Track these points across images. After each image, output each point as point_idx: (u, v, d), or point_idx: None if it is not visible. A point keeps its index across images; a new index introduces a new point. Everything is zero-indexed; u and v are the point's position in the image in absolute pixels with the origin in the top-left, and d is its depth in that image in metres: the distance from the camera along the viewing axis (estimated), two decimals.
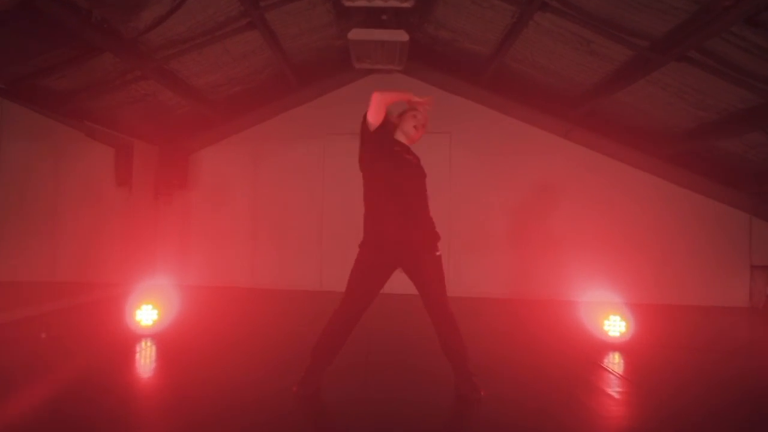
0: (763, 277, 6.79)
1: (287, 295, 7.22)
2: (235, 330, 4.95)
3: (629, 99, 6.09)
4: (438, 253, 3.05)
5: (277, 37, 6.16)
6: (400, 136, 3.13)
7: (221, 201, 7.91)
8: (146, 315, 4.47)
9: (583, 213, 7.18)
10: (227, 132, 7.88)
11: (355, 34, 5.82)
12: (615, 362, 4.05)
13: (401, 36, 5.80)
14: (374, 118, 2.95)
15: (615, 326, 4.50)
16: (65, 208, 7.71)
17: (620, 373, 3.75)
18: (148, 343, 4.24)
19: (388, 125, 3.10)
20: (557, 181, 7.26)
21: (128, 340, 4.28)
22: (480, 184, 7.37)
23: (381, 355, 4.12)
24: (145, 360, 3.90)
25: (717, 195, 6.93)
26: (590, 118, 6.92)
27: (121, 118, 6.66)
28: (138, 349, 4.10)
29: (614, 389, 3.35)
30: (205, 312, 5.84)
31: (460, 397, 3.04)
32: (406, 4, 5.14)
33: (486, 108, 7.38)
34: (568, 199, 7.21)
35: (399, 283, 3.34)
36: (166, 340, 4.33)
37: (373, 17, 5.88)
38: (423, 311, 3.09)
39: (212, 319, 5.50)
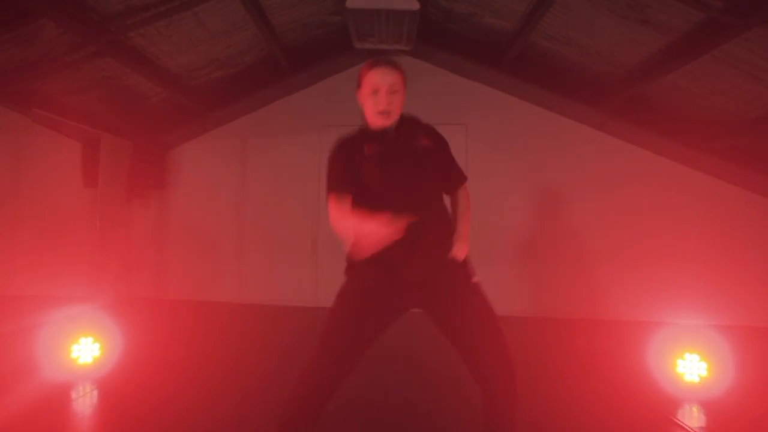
0: None
1: (278, 312, 6.23)
2: (210, 364, 3.95)
3: (683, 82, 5.06)
4: (475, 279, 2.02)
5: (262, 8, 5.17)
6: (374, 124, 2.10)
7: (204, 203, 6.91)
8: (85, 350, 3.47)
9: (620, 218, 6.14)
10: (210, 124, 6.88)
11: (355, 1, 4.84)
12: (694, 415, 3.04)
13: (411, 4, 4.81)
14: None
15: (692, 368, 3.48)
16: (25, 210, 6.75)
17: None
18: (87, 389, 3.25)
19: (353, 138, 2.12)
20: (590, 180, 6.22)
21: (61, 384, 3.29)
22: (501, 184, 6.34)
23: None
24: (77, 416, 2.91)
25: None
26: (631, 107, 5.88)
27: (80, 105, 5.67)
28: (74, 397, 3.12)
29: None
30: (176, 337, 4.85)
31: None
32: None
33: (508, 96, 6.36)
34: (604, 202, 6.18)
35: None
36: (111, 384, 3.34)
37: None
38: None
39: (184, 346, 4.50)
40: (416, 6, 4.78)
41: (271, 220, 6.81)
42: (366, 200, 1.95)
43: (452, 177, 2.18)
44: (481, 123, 6.40)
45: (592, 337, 5.11)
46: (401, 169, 2.00)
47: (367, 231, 1.74)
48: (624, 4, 4.38)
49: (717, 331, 3.61)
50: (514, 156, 6.34)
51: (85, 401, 3.07)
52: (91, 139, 6.43)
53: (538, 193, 6.31)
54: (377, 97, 2.01)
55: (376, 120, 2.04)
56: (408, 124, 2.14)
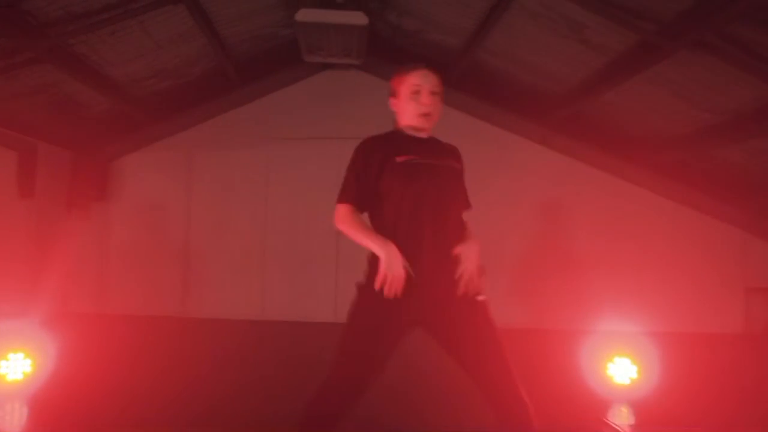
0: (762, 300, 6.10)
1: (223, 325, 6.11)
2: (147, 380, 3.84)
3: (619, 99, 5.33)
4: (481, 298, 2.02)
5: (211, 20, 5.13)
6: (407, 132, 2.11)
7: (148, 216, 6.74)
8: (14, 366, 3.33)
9: (560, 230, 6.37)
10: (155, 135, 6.73)
11: (305, 14, 4.85)
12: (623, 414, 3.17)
13: (360, 18, 4.87)
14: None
15: (623, 370, 3.62)
16: None
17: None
18: (15, 407, 3.11)
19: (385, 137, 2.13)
20: (532, 194, 6.43)
21: None
22: None
23: None
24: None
25: (709, 210, 6.24)
26: (572, 123, 6.13)
27: (16, 113, 5.47)
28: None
29: None
30: (115, 352, 4.70)
31: None
32: None
33: (454, 110, 6.46)
34: (545, 215, 6.39)
35: None
36: (42, 402, 3.20)
37: (327, 0, 4.97)
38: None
39: (119, 361, 4.37)
40: (365, 21, 4.85)
41: (218, 233, 6.70)
42: (386, 212, 1.96)
43: (464, 202, 2.29)
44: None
45: (526, 345, 5.24)
46: (430, 182, 2.01)
47: (376, 249, 1.80)
48: (564, 25, 4.58)
49: (646, 337, 3.79)
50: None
51: (12, 420, 2.94)
52: (27, 148, 6.18)
53: (483, 206, 6.44)
54: (420, 98, 2.02)
55: (418, 122, 2.05)
56: (438, 141, 2.16)
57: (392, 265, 1.84)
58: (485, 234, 6.22)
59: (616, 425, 2.94)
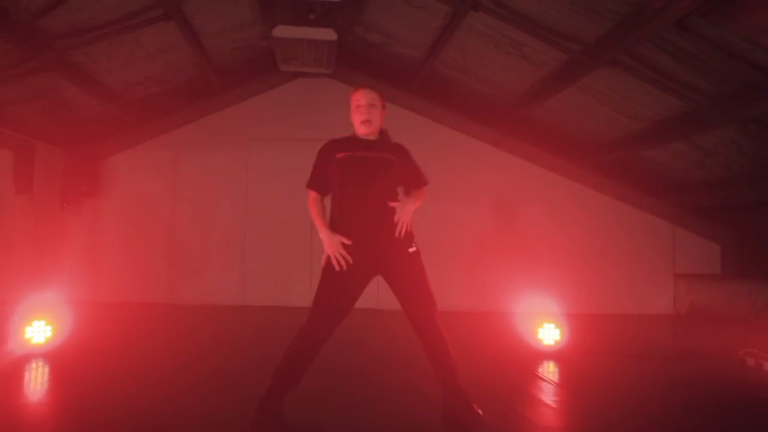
0: (686, 285, 6.92)
1: (206, 311, 6.71)
2: (143, 349, 4.45)
3: (559, 106, 6.09)
4: (412, 249, 2.72)
5: (196, 33, 5.76)
6: (359, 136, 2.80)
7: (136, 210, 7.31)
8: (38, 332, 3.93)
9: (512, 223, 7.10)
10: (143, 136, 7.32)
11: (281, 31, 5.51)
12: (550, 371, 3.89)
13: (329, 35, 5.55)
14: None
15: (549, 334, 4.35)
16: None
17: (556, 381, 3.59)
18: (40, 364, 3.71)
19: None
20: (487, 190, 7.17)
21: (16, 360, 3.74)
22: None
23: (355, 373, 3.76)
24: (36, 382, 3.38)
25: (643, 205, 7.05)
26: (521, 127, 6.88)
27: (18, 115, 6.01)
28: (28, 370, 3.58)
29: (551, 398, 3.16)
30: (110, 329, 5.29)
31: (450, 418, 2.67)
32: None
33: (417, 116, 7.21)
34: (498, 210, 7.12)
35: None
36: (61, 360, 3.81)
37: (301, 17, 5.61)
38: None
39: (118, 336, 4.96)
40: (334, 37, 5.52)
41: (201, 227, 7.31)
42: (335, 193, 2.70)
43: (412, 180, 2.89)
44: (394, 139, 7.19)
45: (485, 324, 5.95)
46: (360, 170, 2.67)
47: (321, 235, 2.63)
48: (506, 43, 5.31)
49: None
50: (424, 169, 7.15)
51: (37, 374, 3.55)
52: (24, 147, 6.72)
53: (443, 202, 7.16)
54: (360, 110, 2.69)
55: (360, 128, 2.72)
56: (384, 141, 2.85)
57: (329, 244, 2.57)
58: (442, 226, 6.96)
59: (544, 377, 3.60)
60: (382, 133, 2.90)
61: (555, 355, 4.28)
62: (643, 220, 7.08)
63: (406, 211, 2.68)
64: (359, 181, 2.65)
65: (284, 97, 7.36)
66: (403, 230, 2.65)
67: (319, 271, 2.73)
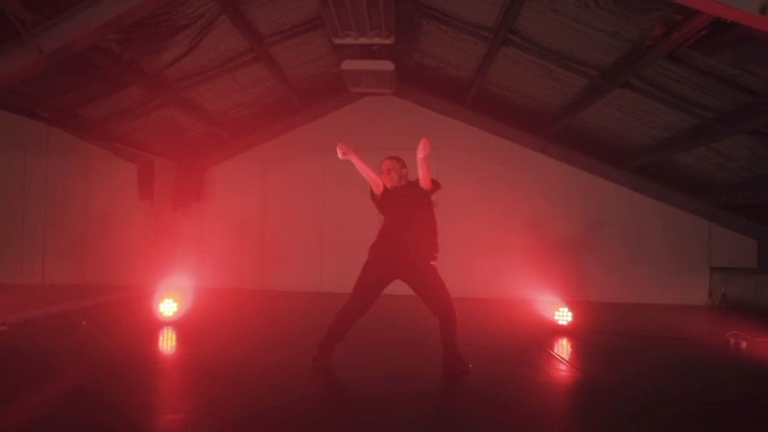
0: (720, 278, 7.46)
1: (290, 296, 8.00)
2: (246, 323, 5.76)
3: (593, 118, 6.86)
4: (432, 263, 3.82)
5: (279, 67, 7.02)
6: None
7: (233, 211, 8.76)
8: (168, 307, 5.31)
9: (559, 222, 7.90)
10: (237, 149, 8.75)
11: (347, 65, 6.65)
12: (562, 344, 4.79)
13: (388, 66, 6.61)
14: (375, 189, 3.92)
15: (563, 316, 5.24)
16: (95, 219, 8.65)
17: (566, 357, 4.48)
18: (170, 330, 5.08)
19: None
20: (535, 192, 8.00)
21: (153, 328, 5.12)
22: (465, 197, 8.10)
23: (388, 344, 4.89)
24: (167, 342, 4.72)
25: (679, 203, 7.64)
26: (563, 135, 7.67)
27: (143, 139, 7.54)
28: (161, 334, 4.94)
29: (562, 369, 4.07)
30: (218, 307, 6.67)
31: (448, 369, 3.75)
32: (388, 41, 5.99)
33: (470, 126, 8.16)
34: (543, 208, 7.94)
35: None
36: (184, 328, 5.16)
37: (365, 48, 6.71)
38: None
39: (225, 313, 6.33)
40: (392, 67, 6.59)
41: (286, 225, 8.65)
42: (387, 216, 3.89)
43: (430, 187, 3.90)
44: (450, 148, 8.19)
45: (529, 311, 6.85)
46: (403, 203, 3.83)
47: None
48: (537, 68, 6.18)
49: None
50: (476, 174, 8.12)
51: (168, 337, 4.89)
52: (147, 162, 8.30)
53: (494, 203, 8.08)
54: (384, 175, 3.87)
55: (388, 184, 3.91)
56: (409, 183, 3.96)
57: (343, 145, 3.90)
58: (496, 225, 7.88)
59: (556, 354, 4.47)
60: (410, 182, 3.96)
61: (569, 332, 5.18)
62: (680, 218, 7.67)
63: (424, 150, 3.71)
64: (396, 210, 3.79)
65: (354, 113, 8.52)
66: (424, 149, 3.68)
67: None
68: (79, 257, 8.59)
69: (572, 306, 5.34)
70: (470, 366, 3.74)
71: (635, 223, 7.79)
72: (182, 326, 5.23)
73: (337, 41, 5.93)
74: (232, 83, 6.94)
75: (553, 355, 4.38)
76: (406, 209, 3.79)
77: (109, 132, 7.00)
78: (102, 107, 6.32)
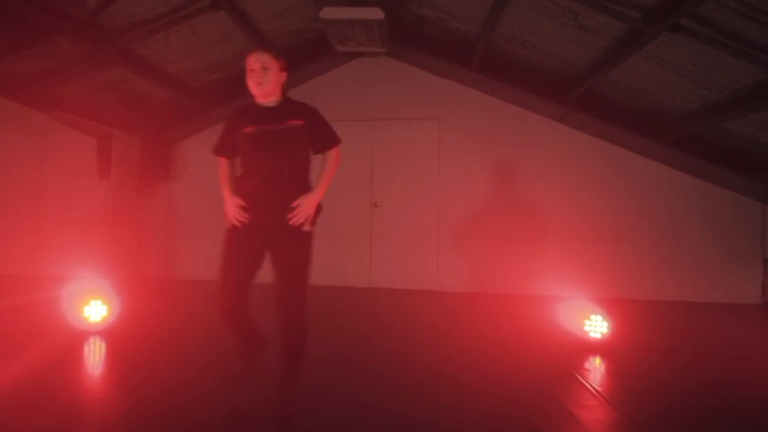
0: None
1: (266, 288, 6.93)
2: (191, 326, 4.67)
3: (626, 78, 5.65)
4: (307, 228, 2.62)
5: (249, 19, 5.86)
6: (261, 103, 2.69)
7: (207, 192, 7.62)
8: (95, 311, 4.23)
9: (581, 203, 6.72)
10: (211, 121, 7.59)
11: (328, 12, 5.49)
12: (595, 368, 3.66)
13: (376, 13, 5.45)
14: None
15: (596, 326, 4.09)
16: (48, 198, 7.61)
17: (599, 382, 3.36)
18: (97, 340, 4.00)
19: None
20: (553, 169, 6.80)
21: (75, 338, 4.04)
22: (471, 172, 6.95)
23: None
24: (93, 357, 3.65)
25: (726, 182, 6.41)
26: (587, 101, 6.45)
27: (94, 106, 6.43)
28: (86, 346, 3.87)
29: (594, 400, 2.97)
30: (175, 306, 5.60)
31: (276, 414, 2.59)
32: None
33: (477, 92, 6.96)
34: (565, 188, 6.76)
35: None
36: (115, 337, 4.09)
37: None
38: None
39: (179, 315, 5.25)
40: (381, 15, 5.41)
41: None
42: (244, 160, 2.66)
43: (319, 141, 2.73)
44: (452, 117, 7.01)
45: (544, 310, 5.71)
46: (267, 144, 2.58)
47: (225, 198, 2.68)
48: (560, 13, 4.97)
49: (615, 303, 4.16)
50: (484, 146, 6.93)
51: (94, 349, 3.82)
52: (104, 135, 7.19)
53: (505, 180, 6.90)
54: (252, 74, 2.61)
55: (254, 92, 2.65)
56: (285, 105, 2.72)
57: (229, 205, 2.63)
58: (505, 206, 6.73)
59: (586, 383, 3.34)
60: (285, 97, 2.77)
61: (603, 349, 4.03)
62: (727, 199, 6.44)
63: (308, 204, 2.61)
64: (265, 157, 2.58)
65: (344, 78, 7.34)
66: (300, 220, 2.57)
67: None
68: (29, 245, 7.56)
69: (604, 308, 4.19)
70: (295, 413, 2.58)
71: (674, 205, 6.56)
72: (112, 336, 4.16)
73: None
74: (191, 38, 5.78)
75: (581, 382, 3.26)
76: (284, 149, 2.60)
77: (48, 96, 5.89)
78: (27, 62, 5.19)
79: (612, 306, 4.51)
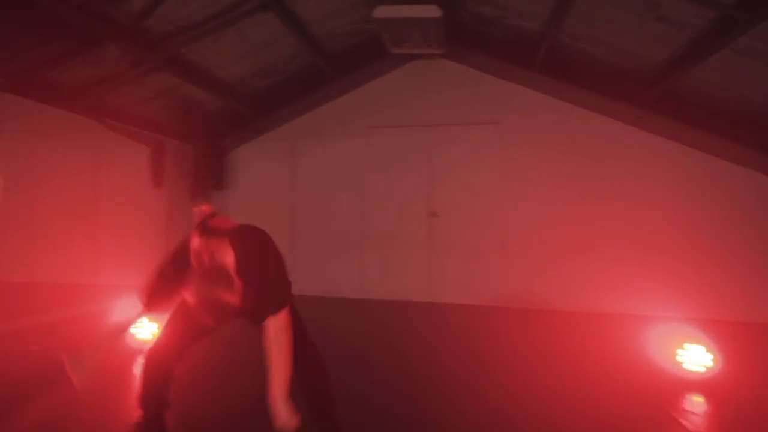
0: None
1: (327, 303, 6.67)
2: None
3: (712, 75, 5.05)
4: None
5: (299, 21, 5.62)
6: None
7: (259, 201, 7.49)
8: (144, 329, 4.05)
9: (660, 214, 6.12)
10: (263, 128, 7.45)
11: (382, 11, 5.18)
12: (697, 408, 3.14)
13: (432, 11, 5.10)
14: None
15: (695, 358, 3.55)
16: (103, 208, 7.62)
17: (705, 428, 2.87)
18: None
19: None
20: (627, 176, 6.23)
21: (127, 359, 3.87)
22: (536, 181, 6.47)
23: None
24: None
25: None
26: (665, 102, 5.86)
27: (146, 114, 6.36)
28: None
29: None
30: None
31: None
32: None
33: (541, 94, 6.48)
34: (641, 198, 6.18)
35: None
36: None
37: None
38: None
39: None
40: (438, 13, 5.06)
41: (319, 216, 7.29)
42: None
43: (257, 307, 2.08)
44: (514, 121, 6.56)
45: (629, 332, 5.18)
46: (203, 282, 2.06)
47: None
48: (638, 3, 4.47)
49: (717, 326, 3.66)
50: (550, 153, 6.44)
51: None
52: (157, 143, 7.13)
53: (574, 188, 6.39)
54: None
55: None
56: (213, 229, 2.22)
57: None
58: (573, 219, 6.21)
59: (687, 424, 2.86)
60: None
61: (705, 387, 3.48)
62: None
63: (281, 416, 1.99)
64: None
65: (399, 82, 7.02)
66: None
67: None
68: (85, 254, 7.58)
69: (706, 332, 3.65)
70: None
71: (757, 216, 5.88)
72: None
73: None
74: (240, 42, 5.60)
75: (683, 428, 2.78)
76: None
77: (100, 104, 5.83)
78: (78, 70, 5.11)
79: (717, 329, 3.95)
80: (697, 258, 5.96)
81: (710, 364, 3.53)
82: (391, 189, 7.06)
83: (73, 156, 7.77)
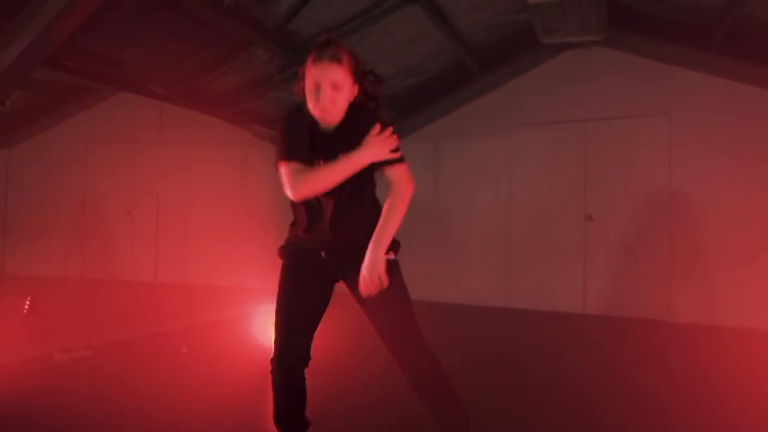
0: None
1: (466, 311, 6.34)
2: None
3: None
4: (388, 256, 1.91)
5: (445, 14, 5.37)
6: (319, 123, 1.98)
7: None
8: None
9: None
10: (405, 130, 7.27)
11: None
12: None
13: None
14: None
15: None
16: (250, 215, 7.88)
17: None
18: None
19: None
20: None
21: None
22: (713, 180, 5.65)
23: None
24: None
25: None
26: None
27: None
28: None
29: None
30: None
31: None
32: None
33: (720, 79, 5.64)
34: None
35: None
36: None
37: None
38: None
39: None
40: None
41: (463, 219, 7.00)
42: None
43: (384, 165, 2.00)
44: (687, 113, 5.78)
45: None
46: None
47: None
48: None
49: None
50: (728, 147, 5.60)
51: None
52: None
53: (756, 188, 5.49)
54: (318, 94, 1.89)
55: (318, 116, 1.95)
56: (349, 126, 2.01)
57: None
58: (751, 222, 5.31)
59: None
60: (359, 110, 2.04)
61: None
62: None
63: (375, 265, 1.86)
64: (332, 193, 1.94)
65: (549, 75, 6.53)
66: (374, 291, 1.86)
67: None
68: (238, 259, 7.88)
69: None
70: None
71: None
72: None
73: None
74: (384, 40, 5.46)
75: None
76: (342, 186, 1.92)
77: (248, 111, 5.99)
78: (227, 77, 5.26)
79: None
80: None
81: None
82: (541, 190, 6.58)
83: (223, 164, 8.12)
